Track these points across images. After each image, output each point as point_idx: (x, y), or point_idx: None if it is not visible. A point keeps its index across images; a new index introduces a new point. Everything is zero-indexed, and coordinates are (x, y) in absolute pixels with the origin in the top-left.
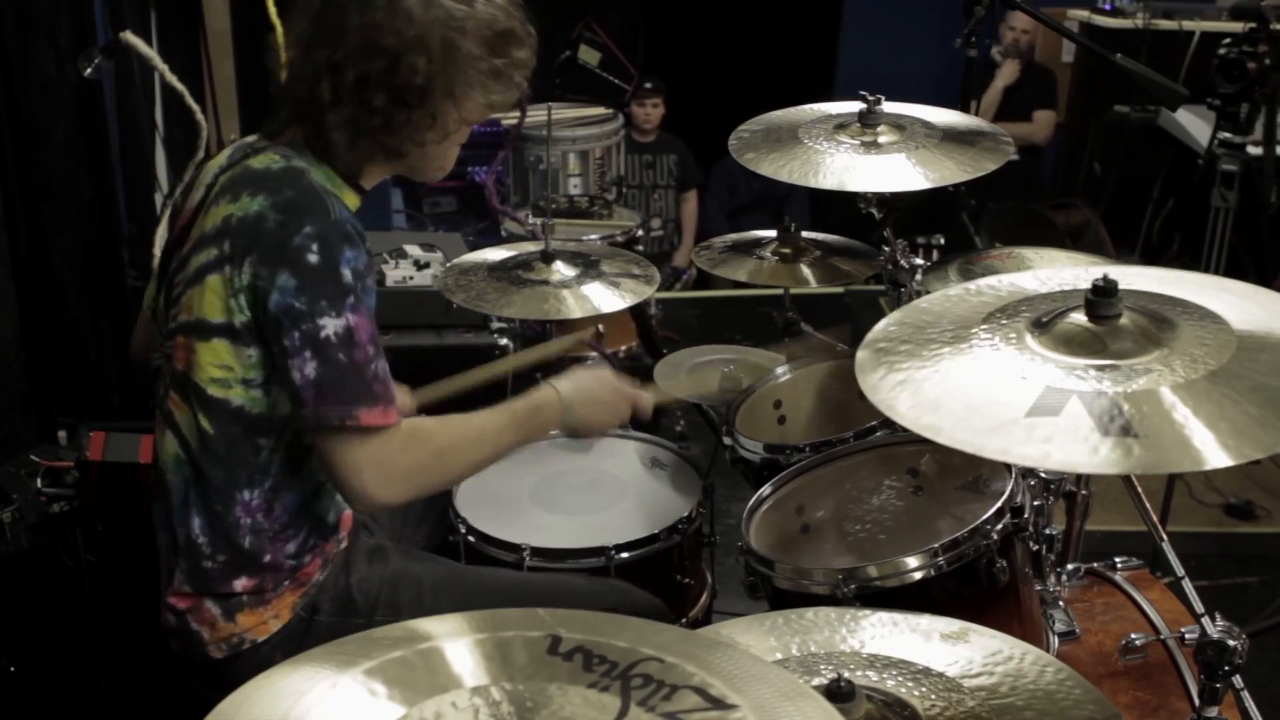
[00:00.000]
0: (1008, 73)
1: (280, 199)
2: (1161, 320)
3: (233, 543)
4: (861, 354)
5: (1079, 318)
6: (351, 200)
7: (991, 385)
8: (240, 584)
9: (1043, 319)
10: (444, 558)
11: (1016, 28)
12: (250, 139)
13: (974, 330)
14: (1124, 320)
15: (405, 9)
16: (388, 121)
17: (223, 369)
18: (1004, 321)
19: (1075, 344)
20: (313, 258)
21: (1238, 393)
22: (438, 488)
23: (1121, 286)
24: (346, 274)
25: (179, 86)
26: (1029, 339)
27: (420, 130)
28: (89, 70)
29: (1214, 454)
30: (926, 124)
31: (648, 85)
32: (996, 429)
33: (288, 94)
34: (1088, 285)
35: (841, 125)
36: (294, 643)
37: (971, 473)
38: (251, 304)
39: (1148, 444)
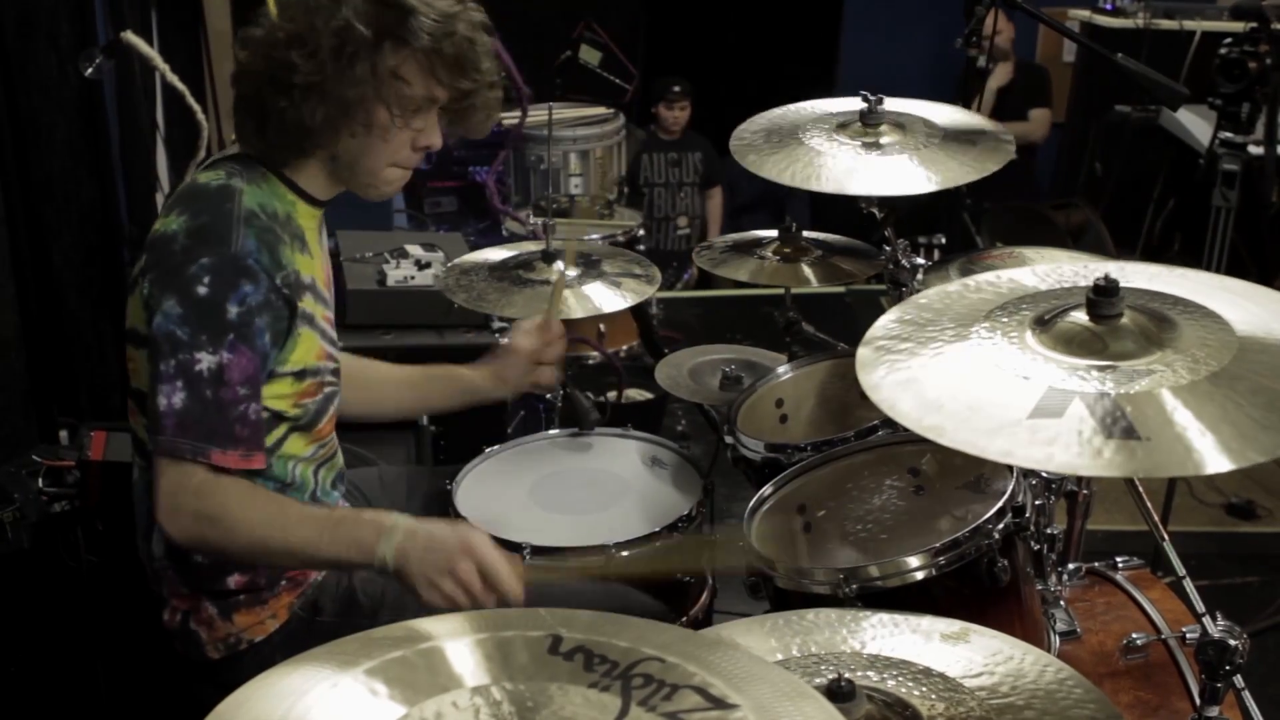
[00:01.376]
0: (1000, 74)
1: (195, 223)
2: (1162, 320)
3: None
4: (862, 351)
5: (1080, 317)
6: (306, 214)
7: (994, 385)
8: (233, 580)
9: (1044, 317)
10: None
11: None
12: (232, 146)
13: (975, 328)
14: (1125, 320)
15: (319, 7)
16: (277, 117)
17: None
18: (1004, 319)
19: (1076, 344)
20: (202, 289)
21: (1240, 395)
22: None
23: (1122, 285)
24: (232, 310)
25: (180, 86)
26: (1029, 337)
27: (305, 131)
28: (89, 70)
29: (1217, 458)
30: (928, 123)
31: (676, 89)
32: (999, 430)
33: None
34: (1088, 283)
35: (842, 125)
36: (295, 643)
37: (973, 472)
38: (147, 323)
39: (1151, 446)
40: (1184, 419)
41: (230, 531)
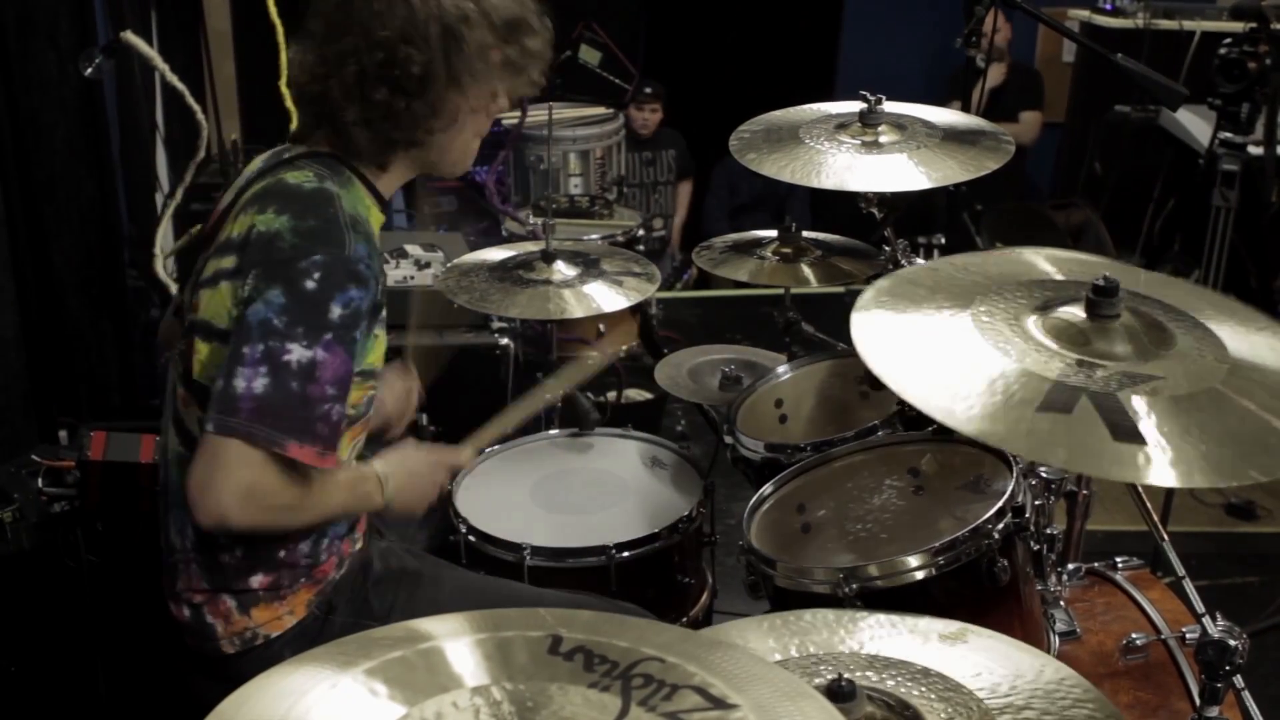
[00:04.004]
0: (993, 75)
1: (303, 225)
2: (1158, 328)
3: (249, 536)
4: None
5: (1074, 311)
6: (376, 219)
7: (999, 371)
8: (257, 580)
9: (1045, 305)
10: (456, 565)
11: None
12: (285, 147)
13: (970, 308)
14: (1120, 322)
15: (412, 2)
16: (390, 113)
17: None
18: (1001, 304)
19: (1064, 337)
20: (310, 284)
21: (1238, 412)
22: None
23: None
24: (336, 310)
25: (179, 86)
26: (1031, 322)
27: (426, 120)
28: (89, 70)
29: (1222, 470)
30: (927, 124)
31: (647, 90)
32: (1017, 420)
33: (303, 95)
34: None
35: (842, 125)
36: (307, 641)
37: (972, 472)
38: (240, 313)
39: (1156, 454)
40: (1186, 429)
41: (299, 515)
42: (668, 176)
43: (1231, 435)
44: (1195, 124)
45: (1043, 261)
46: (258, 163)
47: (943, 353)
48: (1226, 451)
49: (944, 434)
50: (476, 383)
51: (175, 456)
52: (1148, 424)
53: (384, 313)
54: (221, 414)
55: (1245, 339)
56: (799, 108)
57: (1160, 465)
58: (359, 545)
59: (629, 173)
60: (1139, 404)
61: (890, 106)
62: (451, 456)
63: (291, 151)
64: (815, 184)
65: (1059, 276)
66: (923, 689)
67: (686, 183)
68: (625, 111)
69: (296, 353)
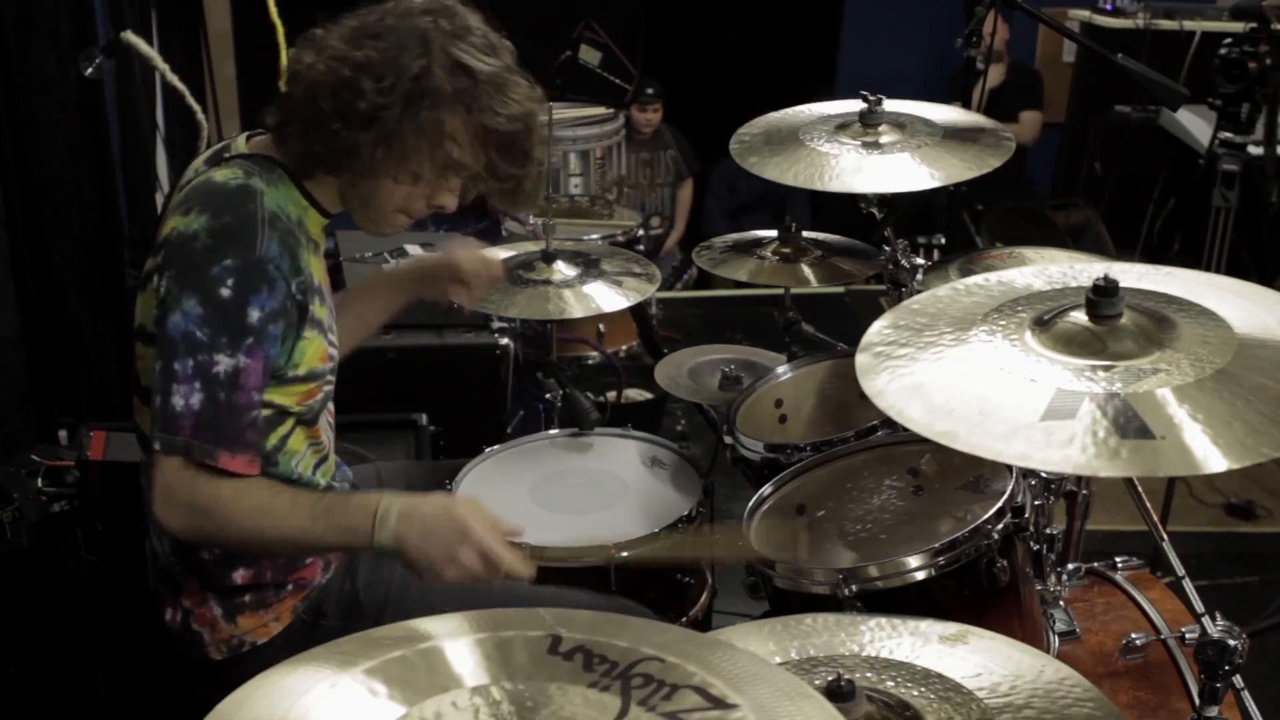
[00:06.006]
0: (993, 75)
1: (218, 223)
2: (1161, 319)
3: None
4: (861, 358)
5: (1079, 317)
6: (315, 221)
7: (1001, 388)
8: (239, 575)
9: (1043, 318)
10: None
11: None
12: (224, 145)
13: (973, 331)
14: (1124, 320)
15: (398, 41)
16: (324, 127)
17: None
18: (1002, 321)
19: (1076, 344)
20: (225, 291)
21: (1246, 391)
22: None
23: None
24: (254, 314)
25: (180, 86)
26: (1029, 338)
27: (349, 157)
28: (90, 70)
29: (1230, 454)
30: (927, 122)
31: (648, 91)
32: (1014, 434)
33: (288, 79)
34: (1079, 283)
35: (842, 125)
36: (297, 646)
37: (972, 472)
38: (160, 319)
39: (1166, 445)
40: (1195, 417)
41: (225, 523)
42: (665, 178)
43: (1241, 415)
44: (1195, 124)
45: (1025, 275)
46: (199, 161)
47: (962, 389)
48: (1238, 433)
49: None
50: (477, 383)
51: (143, 465)
52: (1155, 416)
53: (318, 314)
54: (164, 431)
55: (1251, 315)
56: (798, 108)
57: (1172, 456)
58: None
59: (629, 173)
60: (1145, 397)
61: (890, 105)
62: (492, 544)
63: (231, 150)
64: (819, 187)
65: (1041, 287)
66: (922, 689)
67: (687, 185)
68: (627, 113)
69: (223, 363)
